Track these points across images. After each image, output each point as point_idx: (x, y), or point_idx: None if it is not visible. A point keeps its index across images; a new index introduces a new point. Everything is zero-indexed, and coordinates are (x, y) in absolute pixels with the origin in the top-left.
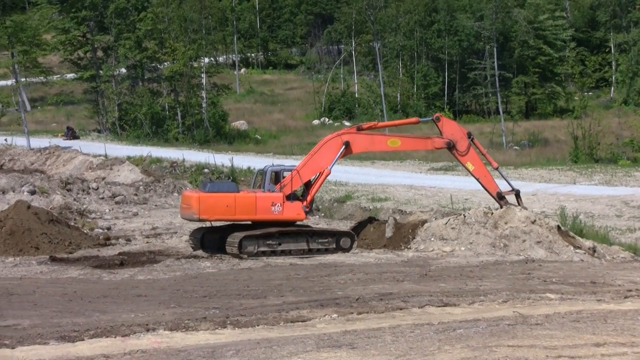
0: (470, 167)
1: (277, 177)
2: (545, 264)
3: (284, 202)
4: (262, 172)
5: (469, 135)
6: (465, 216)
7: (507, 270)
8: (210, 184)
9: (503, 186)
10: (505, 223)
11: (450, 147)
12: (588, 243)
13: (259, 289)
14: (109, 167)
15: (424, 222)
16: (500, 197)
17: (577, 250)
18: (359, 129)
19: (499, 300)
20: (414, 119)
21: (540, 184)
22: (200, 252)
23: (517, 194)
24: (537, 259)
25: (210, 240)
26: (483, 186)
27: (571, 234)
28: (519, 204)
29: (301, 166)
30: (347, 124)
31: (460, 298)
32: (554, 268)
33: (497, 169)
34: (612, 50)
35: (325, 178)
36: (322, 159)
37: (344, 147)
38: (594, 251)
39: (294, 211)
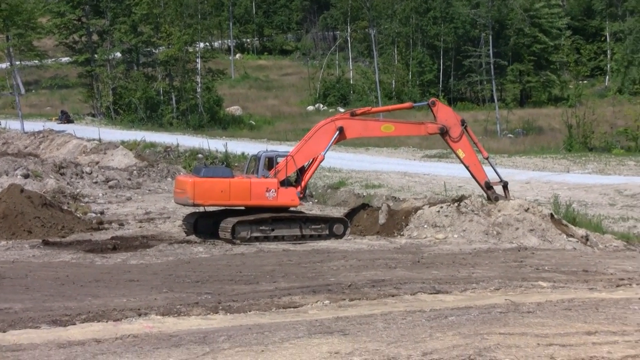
0: (461, 154)
1: (270, 162)
2: (538, 252)
3: (278, 188)
4: (255, 158)
5: (463, 122)
6: (459, 204)
7: (500, 258)
8: (205, 169)
9: (492, 177)
10: (499, 211)
11: (443, 132)
12: (581, 231)
13: (251, 275)
14: (103, 152)
15: (417, 209)
16: (488, 187)
17: (570, 239)
18: (353, 115)
19: (491, 288)
20: (407, 104)
21: (534, 172)
22: (193, 237)
23: (505, 186)
24: (529, 246)
25: (204, 225)
26: (472, 174)
27: (564, 222)
28: (505, 196)
29: (295, 152)
30: (341, 110)
31: (453, 285)
32: (547, 256)
33: (487, 158)
34: (608, 39)
35: (319, 164)
36: (316, 145)
37: (337, 132)
38: (587, 239)
39: (288, 197)
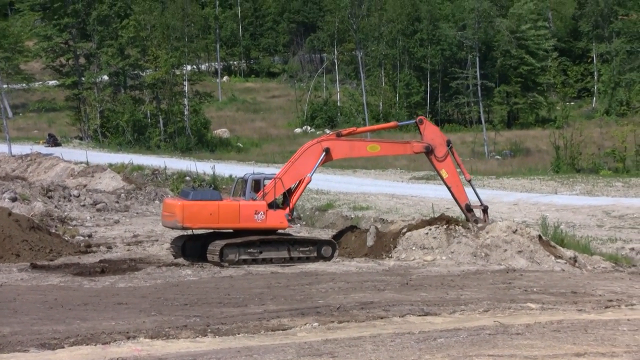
0: (444, 174)
1: (257, 185)
2: (527, 274)
3: (267, 211)
4: (243, 180)
5: (449, 143)
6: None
7: (488, 279)
8: (193, 192)
9: (473, 199)
10: (487, 232)
11: (429, 151)
12: (569, 253)
13: (240, 297)
14: (91, 175)
15: (403, 230)
16: (468, 209)
17: (558, 260)
18: (339, 135)
19: (479, 310)
20: (392, 124)
21: (521, 193)
22: (181, 260)
23: (485, 210)
24: (518, 268)
25: (192, 248)
26: (453, 195)
27: (552, 243)
28: (484, 220)
29: (282, 174)
30: (328, 132)
31: (441, 307)
32: (535, 278)
33: (469, 181)
34: (594, 61)
35: (306, 185)
36: (303, 166)
37: (324, 153)
38: (575, 261)
39: (277, 219)
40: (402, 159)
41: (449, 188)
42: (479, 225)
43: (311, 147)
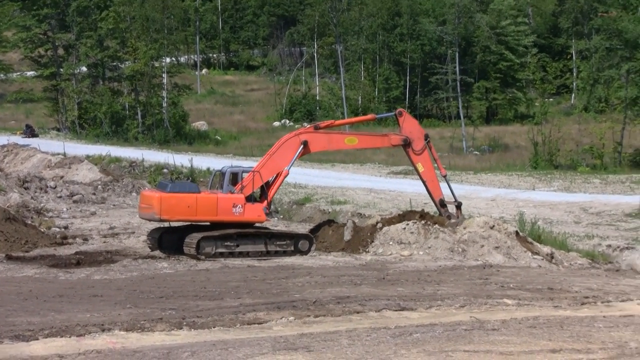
0: (420, 168)
1: (235, 178)
2: (503, 270)
3: (245, 204)
4: (220, 173)
5: (426, 137)
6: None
7: (465, 275)
8: (171, 184)
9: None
10: (464, 228)
11: (406, 144)
12: (546, 249)
13: (216, 291)
14: (68, 166)
15: (377, 224)
16: (442, 205)
17: (535, 256)
18: (317, 128)
19: (456, 305)
20: (370, 116)
21: (499, 189)
22: (157, 253)
23: (459, 206)
24: (495, 264)
25: (168, 240)
26: (428, 190)
27: (529, 239)
28: (457, 216)
29: (260, 167)
30: (307, 125)
31: (418, 302)
32: (512, 274)
33: (445, 176)
34: (574, 57)
35: (284, 179)
36: (281, 159)
37: (302, 146)
38: (552, 257)
39: (254, 213)
40: (381, 154)
41: (424, 182)
42: (452, 221)
43: (289, 140)
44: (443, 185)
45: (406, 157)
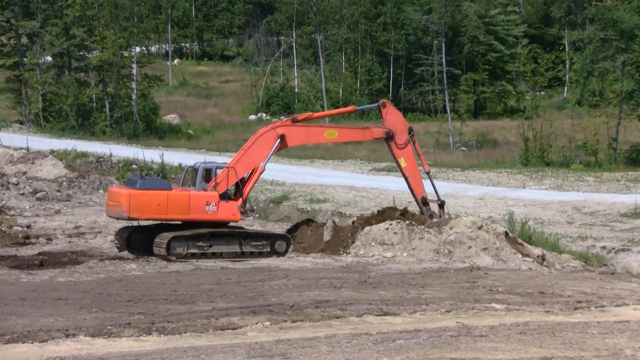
0: (403, 163)
1: (208, 174)
2: (492, 272)
3: (219, 202)
4: (193, 169)
5: (410, 130)
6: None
7: (451, 278)
8: (141, 181)
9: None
10: (450, 228)
11: (389, 137)
12: (537, 251)
13: (187, 294)
14: (31, 161)
15: (354, 222)
16: (424, 203)
17: (526, 258)
18: (294, 121)
19: (441, 310)
20: (350, 108)
21: (488, 187)
22: (125, 254)
23: (441, 205)
24: (483, 266)
25: (137, 240)
26: (410, 187)
27: (519, 240)
28: (440, 215)
29: (234, 162)
30: (284, 118)
31: (401, 307)
32: (501, 277)
33: (428, 173)
34: (567, 48)
35: (260, 175)
36: (256, 155)
37: (279, 140)
38: (543, 259)
39: (229, 211)
40: (363, 149)
41: (406, 178)
42: (433, 220)
43: (265, 133)
44: (426, 183)
45: (389, 153)
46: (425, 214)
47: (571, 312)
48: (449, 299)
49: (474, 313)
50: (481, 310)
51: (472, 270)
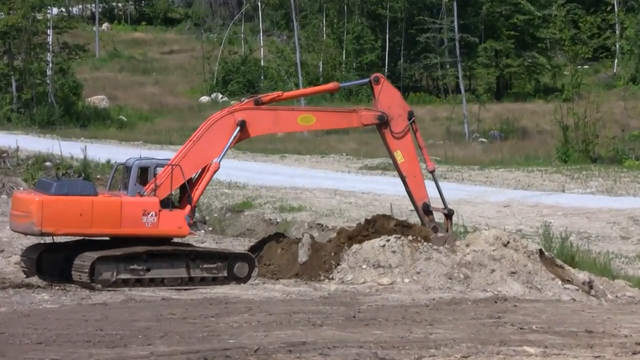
0: (400, 158)
1: (145, 174)
2: (522, 305)
3: (160, 211)
4: (125, 168)
5: (411, 115)
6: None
7: (469, 312)
8: (57, 183)
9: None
10: (467, 246)
11: (383, 123)
12: (582, 275)
13: (117, 334)
14: None
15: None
16: (426, 212)
17: (567, 286)
18: (258, 103)
19: (456, 355)
20: (332, 85)
21: (515, 190)
22: (35, 280)
23: (449, 215)
24: (510, 296)
25: (51, 263)
26: (408, 189)
27: (558, 262)
28: (447, 229)
29: (180, 158)
30: (245, 100)
31: (402, 351)
32: (535, 310)
33: (432, 172)
34: (616, 9)
35: (213, 175)
36: (209, 148)
37: (238, 128)
38: (591, 287)
39: (173, 223)
40: (350, 141)
41: (403, 178)
42: (438, 235)
43: (220, 120)
44: (430, 184)
45: (384, 146)
46: (427, 226)
47: (629, 357)
48: (466, 340)
49: (500, 359)
50: (509, 356)
51: (496, 302)
